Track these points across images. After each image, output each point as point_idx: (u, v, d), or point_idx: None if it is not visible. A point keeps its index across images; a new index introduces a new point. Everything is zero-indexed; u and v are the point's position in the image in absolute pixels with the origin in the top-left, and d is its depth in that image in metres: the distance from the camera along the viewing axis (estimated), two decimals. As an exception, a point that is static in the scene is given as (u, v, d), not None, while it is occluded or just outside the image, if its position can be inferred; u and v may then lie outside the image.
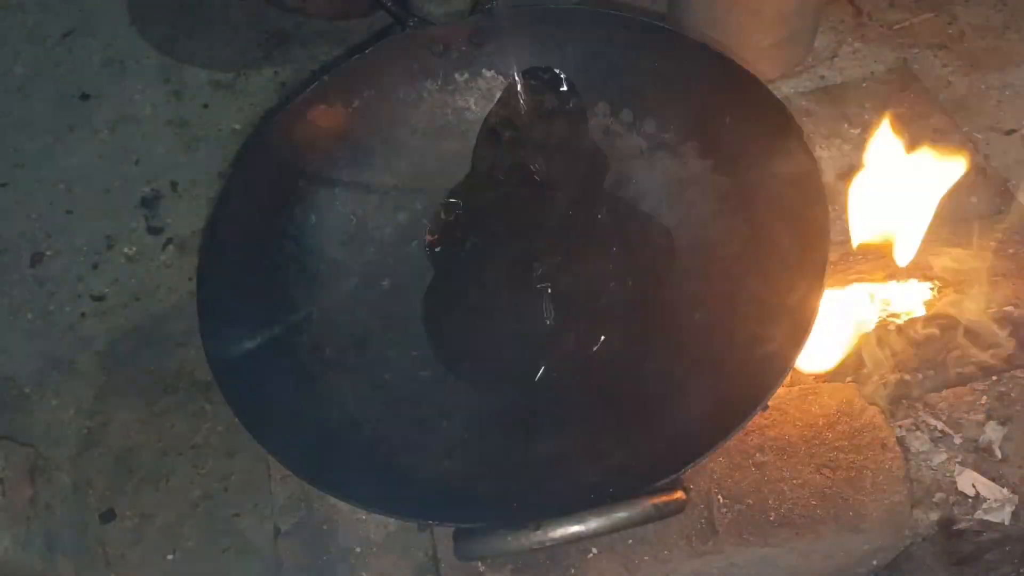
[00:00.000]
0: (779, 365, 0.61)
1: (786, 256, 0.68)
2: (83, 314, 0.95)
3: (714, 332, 0.71)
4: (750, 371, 0.64)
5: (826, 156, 0.90)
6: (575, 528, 0.57)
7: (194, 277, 0.73)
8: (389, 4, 0.75)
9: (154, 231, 1.01)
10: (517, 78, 0.80)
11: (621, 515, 0.57)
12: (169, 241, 1.00)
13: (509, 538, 0.57)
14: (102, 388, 0.89)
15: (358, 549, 0.72)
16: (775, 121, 0.70)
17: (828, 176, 0.89)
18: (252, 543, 0.78)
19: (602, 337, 0.76)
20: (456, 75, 0.80)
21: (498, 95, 0.81)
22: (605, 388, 0.73)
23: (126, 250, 1.00)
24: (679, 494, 0.59)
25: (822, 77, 0.99)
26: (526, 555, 0.68)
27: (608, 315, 0.77)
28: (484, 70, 0.80)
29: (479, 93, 0.81)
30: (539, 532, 0.56)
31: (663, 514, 0.59)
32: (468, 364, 0.77)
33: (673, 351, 0.72)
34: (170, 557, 0.78)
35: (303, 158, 0.78)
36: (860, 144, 0.91)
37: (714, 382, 0.67)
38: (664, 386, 0.70)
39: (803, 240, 0.66)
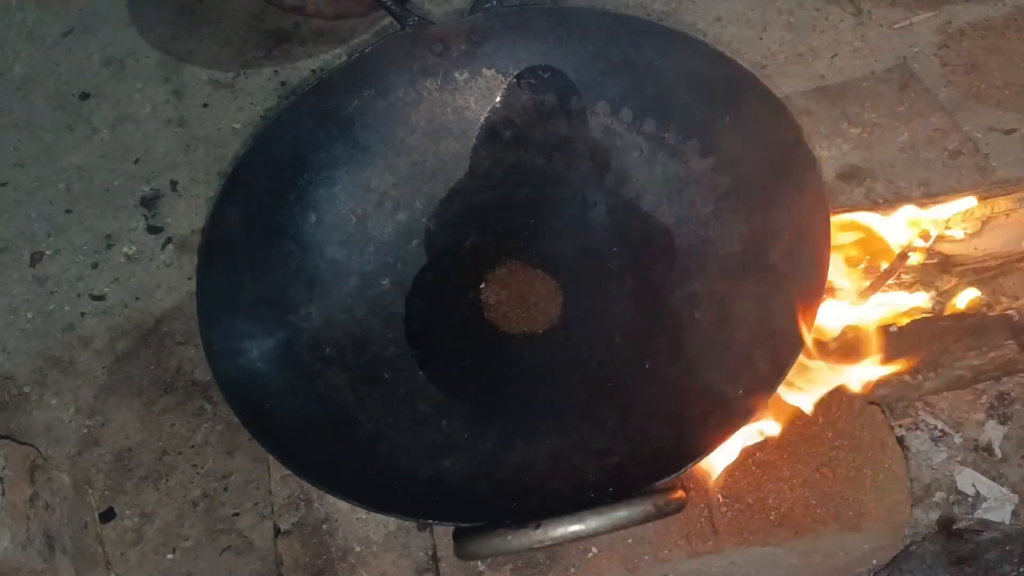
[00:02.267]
0: (780, 364, 0.61)
1: (786, 256, 0.68)
2: (83, 313, 0.95)
3: (714, 332, 0.71)
4: (750, 370, 0.64)
5: (826, 156, 0.90)
6: (575, 527, 0.57)
7: (194, 277, 0.73)
8: (389, 3, 0.75)
9: (154, 230, 1.01)
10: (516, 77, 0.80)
11: (621, 514, 0.57)
12: (169, 240, 1.00)
13: (509, 537, 0.57)
14: (102, 388, 0.89)
15: (358, 548, 0.72)
16: (775, 121, 0.70)
17: (828, 175, 0.89)
18: (252, 543, 0.78)
19: (602, 336, 0.76)
20: (456, 74, 0.80)
21: (498, 94, 0.81)
22: (605, 388, 0.73)
23: (126, 249, 1.00)
24: (679, 493, 0.59)
25: (822, 76, 0.99)
26: (526, 554, 0.68)
27: (608, 314, 0.77)
28: (484, 69, 0.80)
29: (479, 92, 0.81)
30: (539, 531, 0.56)
31: (663, 513, 0.58)
32: (467, 363, 0.77)
33: (673, 351, 0.72)
34: (170, 557, 0.78)
35: (303, 158, 0.78)
36: (860, 143, 0.91)
37: (714, 381, 0.67)
38: (664, 386, 0.70)
39: (804, 240, 0.67)
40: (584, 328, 0.77)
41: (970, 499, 0.70)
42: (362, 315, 0.77)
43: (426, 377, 0.75)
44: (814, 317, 0.62)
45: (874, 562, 0.71)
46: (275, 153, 0.77)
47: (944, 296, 0.79)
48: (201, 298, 0.69)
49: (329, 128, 0.79)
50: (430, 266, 0.81)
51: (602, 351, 0.75)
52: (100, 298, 0.96)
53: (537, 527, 0.56)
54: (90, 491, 0.82)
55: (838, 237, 0.81)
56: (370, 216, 0.81)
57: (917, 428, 0.73)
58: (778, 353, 0.62)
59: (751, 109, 0.72)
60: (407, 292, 0.79)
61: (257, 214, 0.75)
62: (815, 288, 0.63)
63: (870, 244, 0.81)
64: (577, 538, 0.57)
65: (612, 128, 0.80)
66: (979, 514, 0.70)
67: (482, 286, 0.79)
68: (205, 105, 1.11)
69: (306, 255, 0.77)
